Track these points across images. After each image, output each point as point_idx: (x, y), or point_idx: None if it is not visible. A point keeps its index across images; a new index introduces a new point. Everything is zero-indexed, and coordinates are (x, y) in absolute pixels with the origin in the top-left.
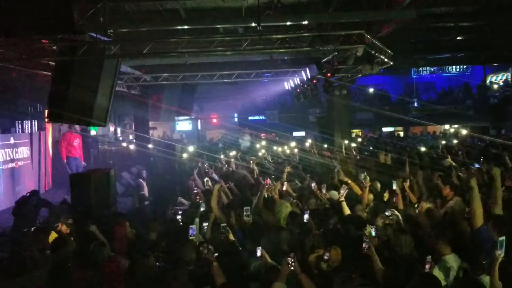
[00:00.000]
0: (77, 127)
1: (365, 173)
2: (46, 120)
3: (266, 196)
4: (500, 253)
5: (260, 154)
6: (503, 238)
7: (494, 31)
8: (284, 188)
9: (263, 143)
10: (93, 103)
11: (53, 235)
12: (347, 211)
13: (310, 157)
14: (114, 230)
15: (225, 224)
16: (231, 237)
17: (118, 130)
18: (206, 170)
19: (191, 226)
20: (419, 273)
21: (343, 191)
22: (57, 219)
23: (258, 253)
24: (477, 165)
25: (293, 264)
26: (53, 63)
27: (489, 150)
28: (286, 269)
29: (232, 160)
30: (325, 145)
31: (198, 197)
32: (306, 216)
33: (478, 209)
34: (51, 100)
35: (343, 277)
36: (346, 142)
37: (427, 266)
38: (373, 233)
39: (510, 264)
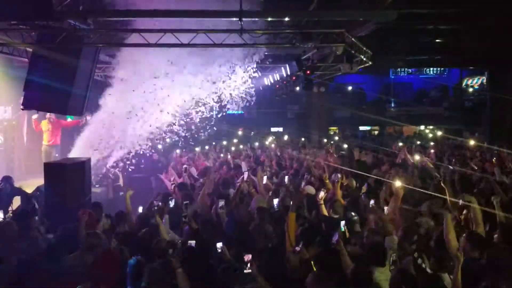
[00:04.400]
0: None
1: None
2: (21, 107)
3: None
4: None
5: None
6: None
7: (472, 34)
8: (264, 182)
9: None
10: (69, 92)
11: None
12: (325, 213)
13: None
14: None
15: (186, 214)
16: (194, 225)
17: None
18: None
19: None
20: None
21: (323, 194)
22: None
23: (219, 249)
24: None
25: (251, 264)
26: (31, 50)
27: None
28: None
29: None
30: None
31: (173, 190)
32: (275, 202)
33: (451, 236)
34: (27, 88)
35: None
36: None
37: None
38: (343, 228)
39: None
